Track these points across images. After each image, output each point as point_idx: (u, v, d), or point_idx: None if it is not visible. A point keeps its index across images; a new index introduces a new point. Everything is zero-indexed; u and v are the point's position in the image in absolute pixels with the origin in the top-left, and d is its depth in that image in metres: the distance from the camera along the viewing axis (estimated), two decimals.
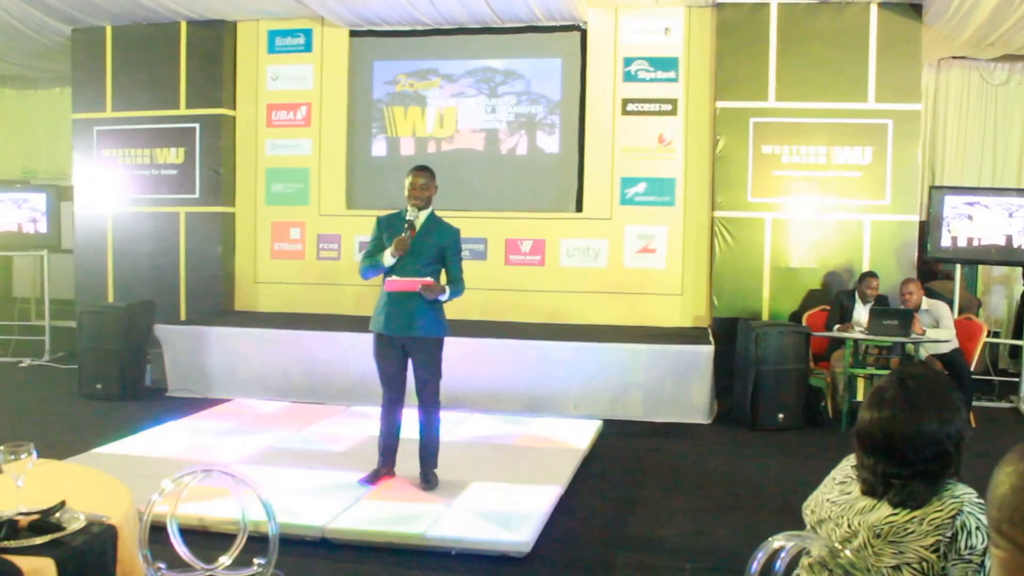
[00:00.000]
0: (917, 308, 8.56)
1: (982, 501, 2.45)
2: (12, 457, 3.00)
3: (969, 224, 9.49)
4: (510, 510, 5.74)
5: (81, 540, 2.84)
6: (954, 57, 10.67)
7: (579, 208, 10.24)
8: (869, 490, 2.63)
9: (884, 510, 2.56)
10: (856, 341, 8.54)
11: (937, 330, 8.49)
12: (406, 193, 6.06)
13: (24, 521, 2.84)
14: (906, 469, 2.53)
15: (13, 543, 2.73)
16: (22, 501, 2.95)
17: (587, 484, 6.62)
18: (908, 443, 2.53)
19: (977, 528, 2.40)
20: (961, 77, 10.87)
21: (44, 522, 2.86)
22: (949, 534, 2.43)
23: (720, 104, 9.71)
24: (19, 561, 2.61)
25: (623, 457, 7.45)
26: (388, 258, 5.95)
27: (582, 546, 5.46)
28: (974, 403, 8.82)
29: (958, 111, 10.91)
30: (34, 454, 3.03)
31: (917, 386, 2.60)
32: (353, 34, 10.64)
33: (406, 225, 5.98)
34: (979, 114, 10.86)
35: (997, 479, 1.54)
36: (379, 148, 10.73)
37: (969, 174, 10.83)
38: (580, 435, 7.82)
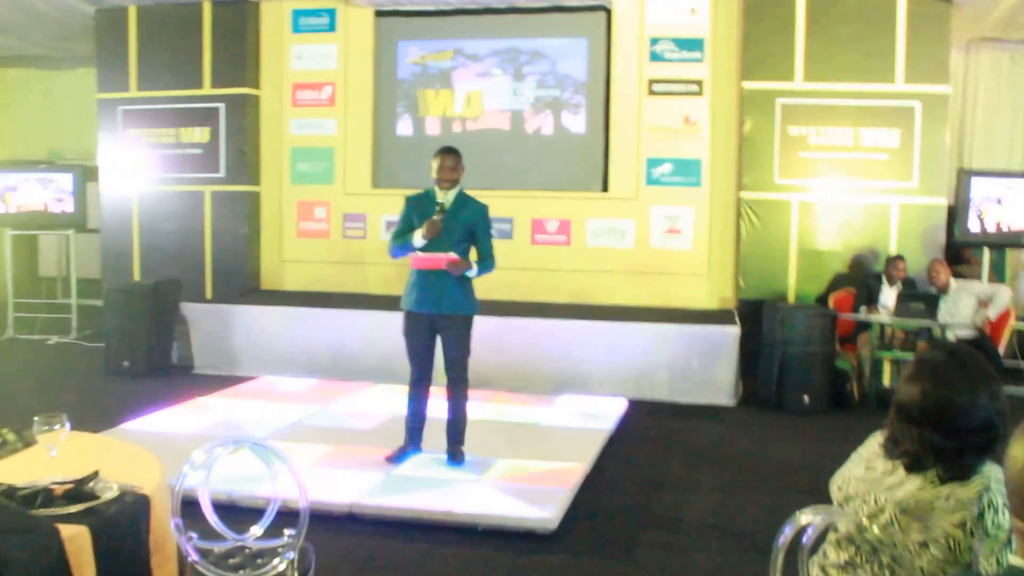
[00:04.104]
0: (945, 287, 8.55)
1: None
2: (46, 428, 3.02)
3: (998, 208, 9.43)
4: (536, 487, 5.77)
5: (115, 509, 2.86)
6: (984, 39, 10.55)
7: (605, 188, 10.21)
8: (915, 463, 2.59)
9: (911, 486, 2.56)
10: (882, 324, 8.51)
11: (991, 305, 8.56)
12: (434, 175, 6.06)
13: (59, 490, 2.86)
14: (954, 441, 2.51)
15: (48, 511, 2.76)
16: (56, 471, 2.98)
17: (612, 463, 6.63)
18: (963, 414, 2.51)
19: (1004, 505, 2.39)
20: (991, 59, 10.74)
21: (78, 491, 2.88)
22: (976, 511, 2.42)
23: (747, 85, 9.66)
24: None
25: (648, 437, 7.46)
26: (418, 239, 5.95)
27: (608, 524, 5.47)
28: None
29: (988, 93, 10.77)
30: (67, 425, 3.05)
31: (968, 358, 2.58)
32: (378, 14, 10.60)
33: (437, 207, 5.97)
34: (1009, 97, 10.73)
35: (1013, 453, 1.53)
36: (404, 127, 10.72)
37: (998, 158, 10.72)
38: (605, 415, 7.84)
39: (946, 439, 2.52)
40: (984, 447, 2.51)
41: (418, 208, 6.05)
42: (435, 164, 6.07)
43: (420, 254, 5.97)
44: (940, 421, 2.53)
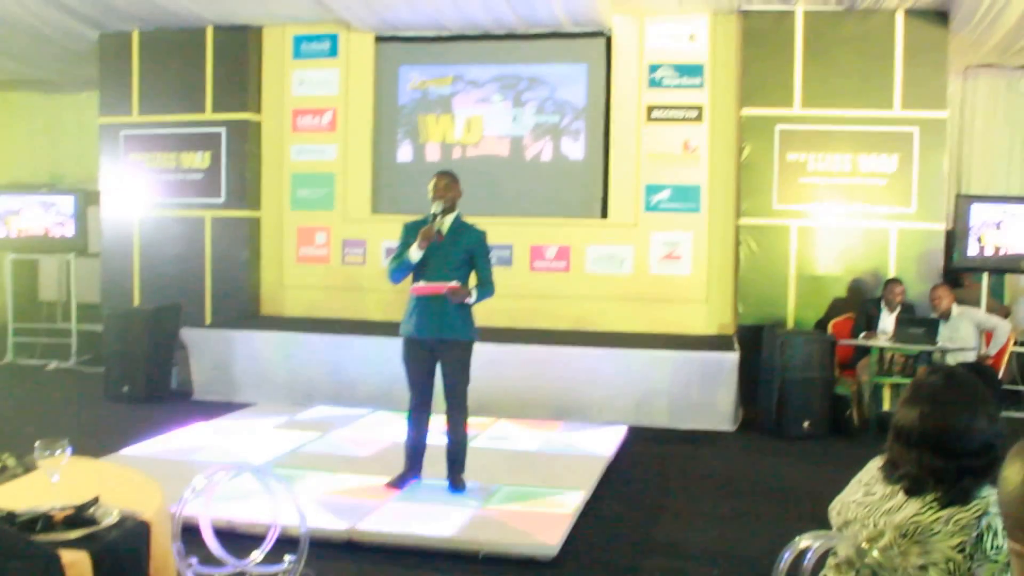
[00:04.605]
0: (947, 313, 8.57)
1: None
2: (47, 453, 3.03)
3: (997, 233, 9.45)
4: (536, 514, 5.76)
5: (115, 535, 2.87)
6: (981, 65, 10.60)
7: (604, 214, 10.23)
8: (914, 486, 2.59)
9: (910, 510, 2.56)
10: (882, 349, 8.52)
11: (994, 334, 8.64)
12: (430, 196, 6.14)
13: (59, 516, 2.86)
14: (952, 464, 2.52)
15: (49, 536, 2.76)
16: (57, 496, 2.98)
17: (613, 490, 6.62)
18: (961, 437, 2.52)
19: (1003, 528, 2.39)
20: (988, 85, 10.78)
21: (78, 517, 2.89)
22: (975, 534, 2.43)
23: (745, 111, 9.70)
24: None
25: (648, 463, 7.44)
26: (415, 252, 5.99)
27: (608, 551, 5.45)
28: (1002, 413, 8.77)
29: (985, 119, 10.81)
30: (68, 450, 3.06)
31: (966, 382, 2.59)
32: (379, 39, 10.66)
33: (431, 217, 6.02)
34: (1007, 122, 10.76)
35: (1006, 475, 1.53)
36: (405, 154, 10.76)
37: (996, 183, 10.75)
38: (605, 441, 7.82)
39: (945, 462, 2.53)
40: (983, 470, 2.52)
41: (416, 233, 6.08)
42: (430, 185, 6.18)
43: (422, 283, 6.00)
44: (939, 444, 2.54)
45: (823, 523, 2.90)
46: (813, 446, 8.07)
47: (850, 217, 9.54)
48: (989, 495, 2.49)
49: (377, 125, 10.78)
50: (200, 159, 10.87)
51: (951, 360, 8.32)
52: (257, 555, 3.33)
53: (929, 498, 2.55)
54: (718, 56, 9.93)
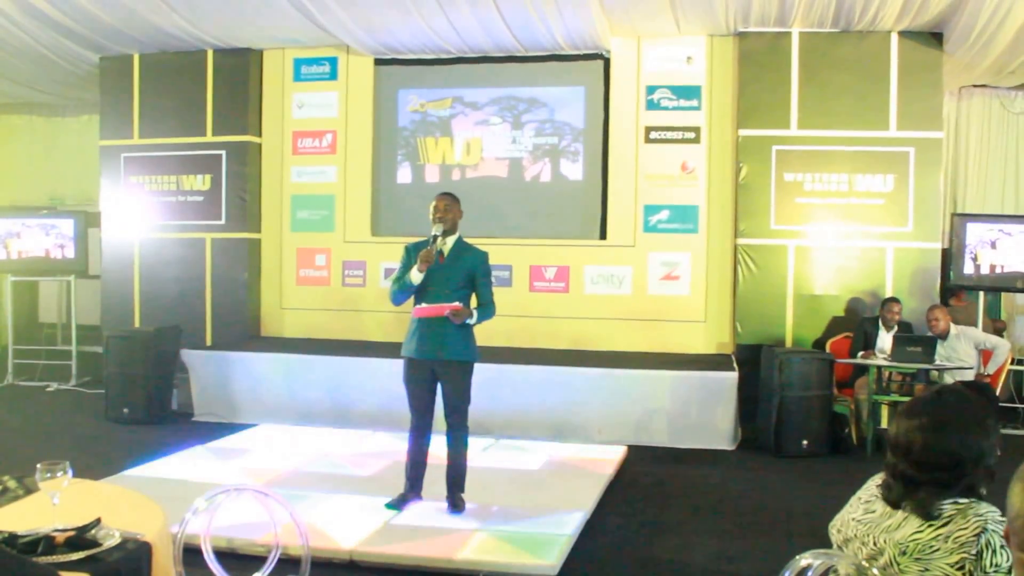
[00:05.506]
0: (944, 334, 8.59)
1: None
2: (48, 475, 3.04)
3: (992, 251, 9.48)
4: (536, 534, 5.75)
5: (117, 556, 2.87)
6: (975, 85, 10.68)
7: (603, 235, 10.26)
8: (888, 494, 2.65)
9: (909, 527, 2.57)
10: (879, 368, 8.53)
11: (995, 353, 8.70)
12: (430, 218, 6.16)
13: (60, 537, 2.87)
14: (921, 474, 2.55)
15: (50, 558, 2.76)
16: (58, 518, 3.00)
17: (613, 509, 6.62)
18: (925, 450, 2.56)
19: (1002, 546, 2.41)
20: (982, 105, 10.87)
21: (80, 539, 2.89)
22: (974, 552, 2.44)
23: (742, 132, 9.74)
24: None
25: (648, 482, 7.44)
26: (416, 274, 6.02)
27: (608, 570, 5.46)
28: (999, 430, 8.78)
29: (979, 139, 10.90)
30: (69, 472, 3.07)
31: (950, 401, 2.63)
32: (378, 62, 10.72)
33: (432, 238, 6.05)
34: (1000, 142, 10.85)
35: (1014, 490, 1.56)
36: (404, 175, 10.80)
37: (992, 201, 10.81)
38: (605, 461, 7.83)
39: (912, 470, 2.56)
40: (946, 485, 2.54)
41: (417, 255, 6.10)
42: (431, 207, 6.21)
43: (423, 305, 6.03)
44: (906, 453, 2.58)
45: (823, 541, 2.91)
46: (812, 464, 8.08)
47: (847, 237, 9.57)
48: (988, 512, 2.50)
49: (377, 147, 10.82)
50: (201, 181, 10.90)
51: (948, 379, 8.33)
52: None
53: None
54: (715, 78, 10.00)
